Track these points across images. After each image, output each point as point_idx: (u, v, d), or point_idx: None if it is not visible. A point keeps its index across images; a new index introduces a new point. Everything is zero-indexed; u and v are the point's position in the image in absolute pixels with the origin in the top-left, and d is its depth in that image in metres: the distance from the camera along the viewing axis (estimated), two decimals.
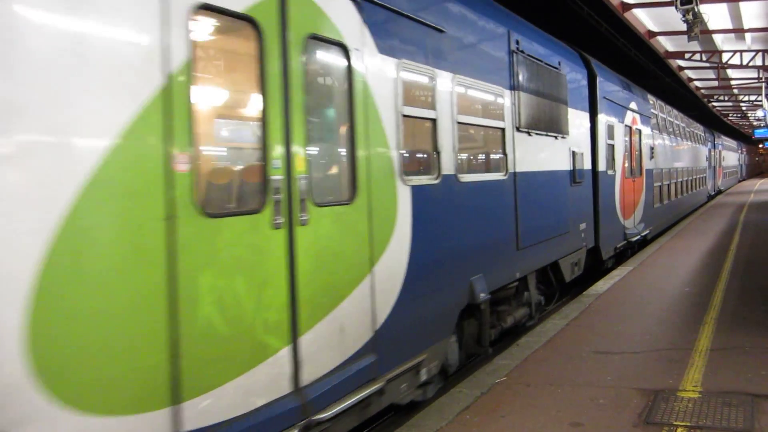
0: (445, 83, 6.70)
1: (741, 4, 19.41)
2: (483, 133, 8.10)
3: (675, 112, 24.71)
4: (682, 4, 15.53)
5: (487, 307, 7.59)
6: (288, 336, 4.37)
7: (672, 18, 19.17)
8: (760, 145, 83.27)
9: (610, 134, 13.69)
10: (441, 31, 6.64)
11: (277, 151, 4.35)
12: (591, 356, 7.44)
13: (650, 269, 13.30)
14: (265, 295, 4.20)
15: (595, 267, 13.01)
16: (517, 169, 8.50)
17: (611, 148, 13.71)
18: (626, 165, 15.08)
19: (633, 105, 16.20)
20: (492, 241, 7.70)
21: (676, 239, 18.26)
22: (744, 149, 73.57)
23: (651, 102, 19.20)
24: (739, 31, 23.12)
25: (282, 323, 4.33)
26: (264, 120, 4.27)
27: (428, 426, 5.62)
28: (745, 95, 42.79)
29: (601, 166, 12.92)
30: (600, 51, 18.61)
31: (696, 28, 16.65)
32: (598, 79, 12.90)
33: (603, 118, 13.15)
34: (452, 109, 6.79)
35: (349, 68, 5.16)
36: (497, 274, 7.82)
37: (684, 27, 17.15)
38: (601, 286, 11.68)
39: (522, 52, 8.79)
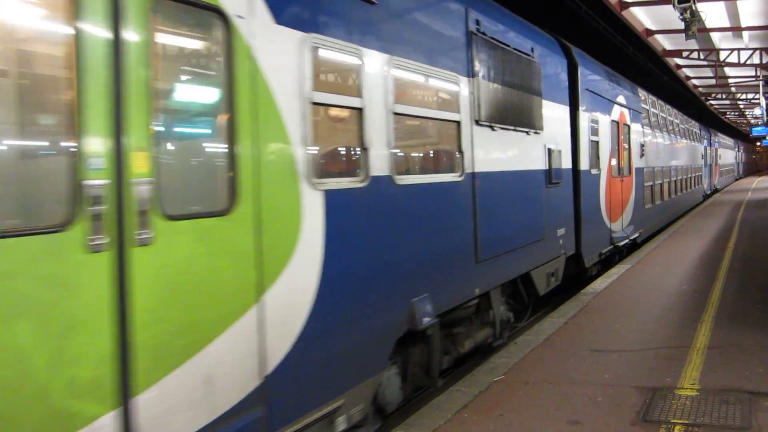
0: (376, 66, 5.54)
1: (738, 2, 18.89)
2: (431, 126, 6.91)
3: (669, 108, 23.58)
4: (679, 2, 15.11)
5: (435, 333, 6.46)
6: (113, 397, 3.22)
7: (670, 16, 18.73)
8: (758, 143, 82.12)
9: (594, 130, 12.55)
10: (370, 2, 5.48)
11: (99, 145, 3.20)
12: (589, 354, 7.39)
13: (648, 267, 13.06)
14: (72, 345, 3.05)
15: (578, 275, 11.90)
16: (477, 169, 7.32)
17: (595, 145, 12.58)
18: (613, 163, 13.96)
19: (621, 99, 15.07)
20: (441, 254, 6.52)
21: (673, 238, 18.16)
22: (741, 147, 72.54)
23: (642, 97, 18.04)
24: (736, 30, 22.65)
25: (102, 380, 3.17)
26: (78, 103, 3.12)
27: (426, 425, 5.55)
28: (742, 93, 42.55)
29: (584, 164, 11.78)
30: (598, 49, 18.37)
31: (693, 26, 16.33)
32: (580, 70, 11.72)
33: (586, 113, 12.01)
34: (386, 97, 5.63)
35: (229, 41, 4.01)
36: (449, 293, 6.66)
37: (682, 25, 16.70)
38: (599, 284, 11.44)
39: (483, 33, 7.61)
